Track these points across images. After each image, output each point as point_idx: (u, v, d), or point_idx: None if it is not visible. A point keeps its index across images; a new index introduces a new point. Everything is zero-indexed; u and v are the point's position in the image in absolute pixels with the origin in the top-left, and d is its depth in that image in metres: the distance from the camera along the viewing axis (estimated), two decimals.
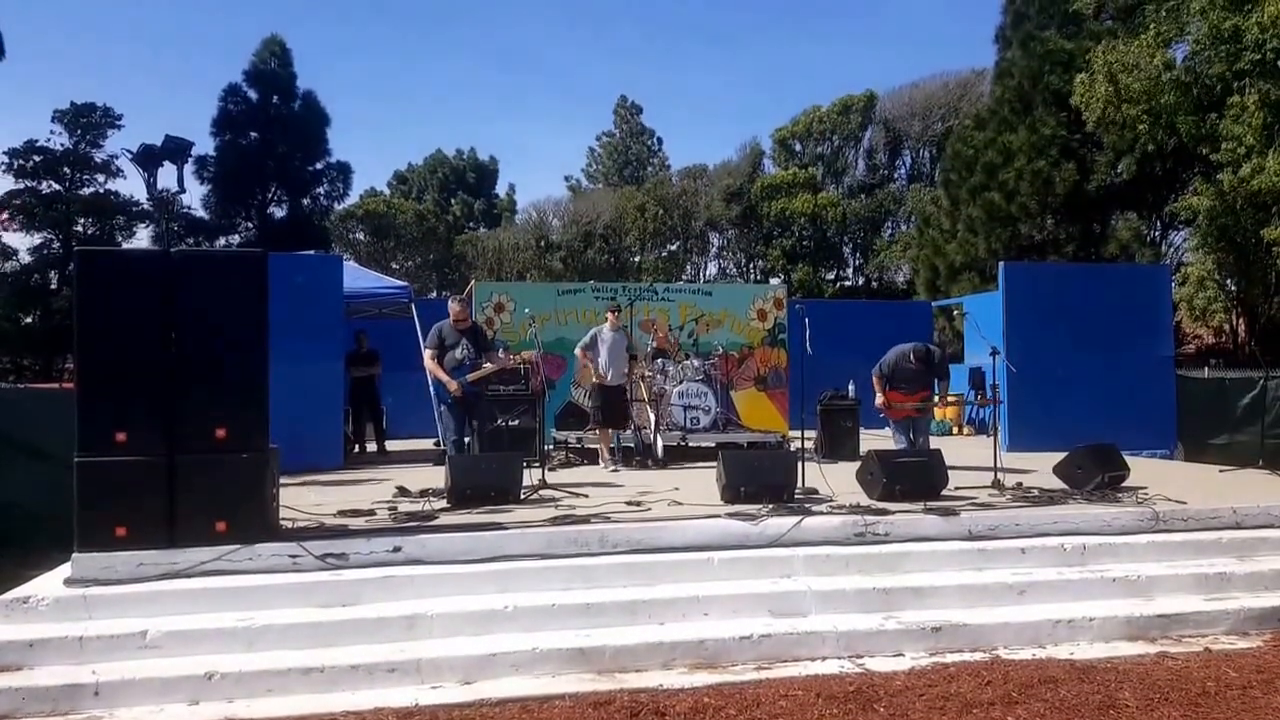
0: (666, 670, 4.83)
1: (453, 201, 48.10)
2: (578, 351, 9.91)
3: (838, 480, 7.40)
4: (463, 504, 6.56)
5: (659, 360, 10.93)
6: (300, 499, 7.15)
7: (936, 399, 8.80)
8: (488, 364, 8.47)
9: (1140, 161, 23.07)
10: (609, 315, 9.87)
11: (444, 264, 43.27)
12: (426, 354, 8.58)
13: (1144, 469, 8.81)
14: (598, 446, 10.05)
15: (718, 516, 6.06)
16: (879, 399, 8.75)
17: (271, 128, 35.57)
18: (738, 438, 10.71)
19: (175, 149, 9.57)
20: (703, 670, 4.82)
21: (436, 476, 7.74)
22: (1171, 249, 28.48)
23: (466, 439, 8.44)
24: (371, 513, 6.45)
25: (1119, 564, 5.96)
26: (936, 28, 75.64)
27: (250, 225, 35.75)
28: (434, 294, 40.78)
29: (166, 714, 4.40)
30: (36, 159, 33.90)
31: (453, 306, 8.67)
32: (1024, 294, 11.72)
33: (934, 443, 8.87)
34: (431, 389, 9.51)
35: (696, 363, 10.89)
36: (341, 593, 5.17)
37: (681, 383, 10.68)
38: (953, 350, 16.80)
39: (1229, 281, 23.62)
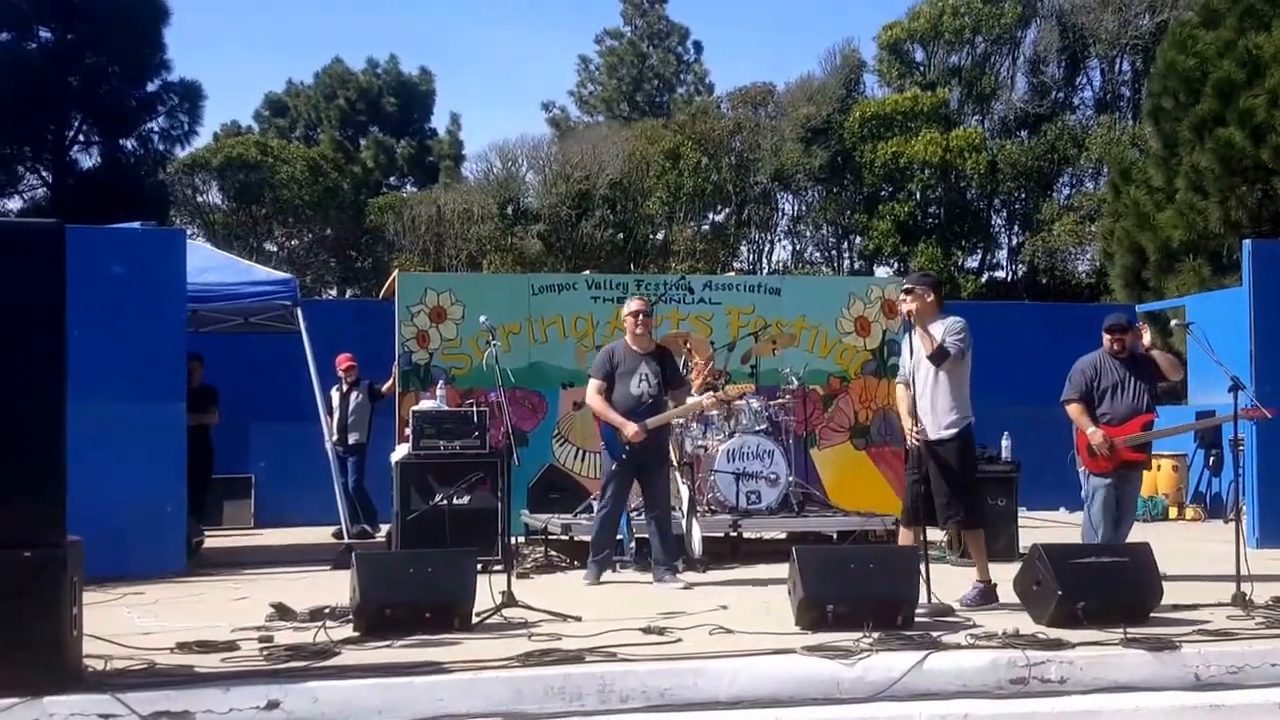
0: None
1: (363, 143, 48.43)
2: (902, 387, 8.24)
3: None
4: (379, 631, 6.58)
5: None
6: (118, 623, 7.16)
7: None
8: (673, 404, 8.92)
9: None
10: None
11: (350, 243, 43.46)
12: (592, 386, 8.91)
13: None
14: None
15: (791, 652, 6.11)
16: (1094, 435, 8.40)
17: (74, 24, 35.97)
18: (823, 525, 10.76)
19: None
20: None
21: (337, 587, 7.79)
22: None
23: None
24: (232, 646, 6.47)
25: None
26: None
27: (39, 180, 36.09)
28: (333, 291, 41.00)
29: None
30: None
31: (635, 307, 8.97)
32: None
33: (1138, 531, 8.86)
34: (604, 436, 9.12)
35: (756, 404, 10.90)
36: None
37: (732, 435, 10.69)
38: (1168, 386, 16.67)
39: None
